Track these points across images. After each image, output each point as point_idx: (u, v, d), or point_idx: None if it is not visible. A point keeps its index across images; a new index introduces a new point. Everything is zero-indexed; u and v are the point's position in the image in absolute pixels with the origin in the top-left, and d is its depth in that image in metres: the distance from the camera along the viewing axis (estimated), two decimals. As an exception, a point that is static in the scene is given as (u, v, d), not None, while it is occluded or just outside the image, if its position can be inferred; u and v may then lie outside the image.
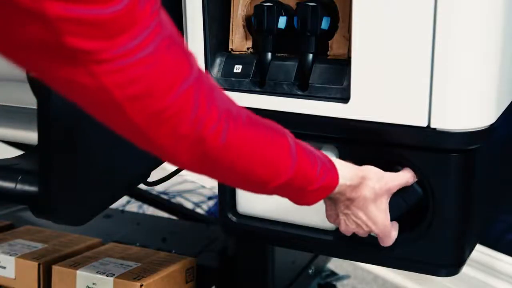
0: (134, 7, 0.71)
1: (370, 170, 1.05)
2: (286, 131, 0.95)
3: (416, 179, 1.10)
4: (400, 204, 1.10)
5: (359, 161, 1.06)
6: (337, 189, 1.00)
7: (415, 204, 1.11)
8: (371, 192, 1.04)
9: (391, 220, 1.08)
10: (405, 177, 1.09)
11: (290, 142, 0.94)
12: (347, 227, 1.08)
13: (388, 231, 1.08)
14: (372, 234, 1.09)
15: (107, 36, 0.70)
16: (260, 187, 0.94)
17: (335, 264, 1.98)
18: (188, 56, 0.81)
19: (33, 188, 1.09)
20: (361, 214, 1.05)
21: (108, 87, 0.74)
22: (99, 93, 0.74)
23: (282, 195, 0.98)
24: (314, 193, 0.98)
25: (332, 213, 1.09)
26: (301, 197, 0.99)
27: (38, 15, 0.67)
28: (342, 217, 1.07)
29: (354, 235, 1.10)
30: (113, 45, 0.71)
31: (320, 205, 1.05)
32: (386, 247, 1.11)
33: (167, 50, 0.76)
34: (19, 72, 1.02)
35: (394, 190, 1.08)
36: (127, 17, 0.71)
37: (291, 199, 0.99)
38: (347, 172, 1.01)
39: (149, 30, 0.73)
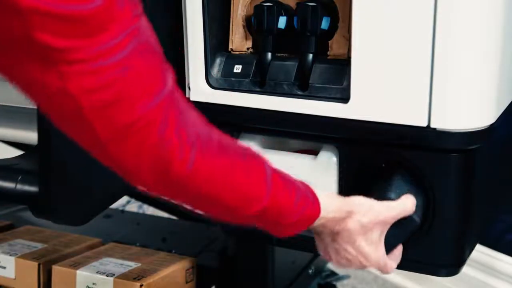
0: (113, 6, 0.67)
1: (357, 203, 1.00)
2: (264, 160, 0.90)
3: (414, 208, 1.06)
4: (397, 235, 1.07)
5: (359, 161, 1.06)
6: (318, 222, 0.96)
7: (412, 233, 1.09)
8: (357, 225, 0.99)
9: (389, 250, 1.05)
10: (403, 207, 1.05)
11: (267, 171, 0.88)
12: (338, 261, 1.03)
13: (382, 264, 1.04)
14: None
15: (83, 34, 0.66)
16: (230, 215, 0.89)
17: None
18: (164, 70, 0.76)
19: (33, 188, 1.09)
20: (350, 249, 1.00)
21: (75, 92, 0.68)
22: (63, 97, 0.69)
23: (258, 224, 0.93)
24: (292, 225, 0.93)
25: (320, 245, 1.04)
26: (278, 229, 0.94)
27: (9, 3, 0.63)
28: (331, 251, 1.02)
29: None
30: (88, 45, 0.66)
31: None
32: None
33: (142, 57, 0.72)
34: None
35: (391, 222, 1.03)
36: (105, 15, 0.67)
37: (268, 229, 0.94)
38: (330, 204, 0.97)
39: (126, 33, 0.69)
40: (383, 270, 1.05)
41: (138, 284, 1.33)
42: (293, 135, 1.20)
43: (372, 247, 1.01)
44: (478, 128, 1.06)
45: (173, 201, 0.87)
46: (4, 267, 1.45)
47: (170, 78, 0.77)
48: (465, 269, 1.20)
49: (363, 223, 0.99)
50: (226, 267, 1.55)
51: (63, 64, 0.67)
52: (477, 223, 1.21)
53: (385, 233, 1.03)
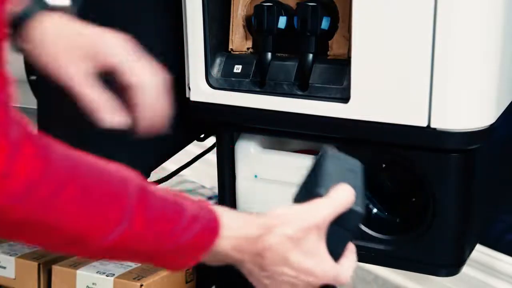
0: None
1: (275, 214, 0.84)
2: (135, 181, 0.75)
3: (353, 201, 0.86)
4: (342, 234, 0.87)
5: (359, 161, 1.06)
6: (226, 245, 0.80)
7: (358, 226, 0.94)
8: (282, 239, 0.81)
9: (338, 255, 0.87)
10: (335, 202, 0.85)
11: (129, 194, 0.73)
12: None
13: (333, 275, 0.85)
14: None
15: None
16: (74, 249, 0.75)
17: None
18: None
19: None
20: (286, 270, 0.82)
21: None
22: None
23: (132, 258, 0.80)
24: (180, 252, 0.78)
25: (254, 282, 0.87)
26: (162, 262, 0.79)
27: None
28: (267, 284, 0.84)
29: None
30: None
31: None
32: (386, 247, 1.11)
33: None
34: (19, 72, 1.02)
35: (326, 223, 0.84)
36: None
37: (154, 263, 0.80)
38: (237, 220, 0.82)
39: None
40: (338, 281, 0.87)
41: (138, 284, 1.34)
42: (293, 135, 1.20)
43: (313, 259, 0.83)
44: (478, 128, 1.06)
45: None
46: (4, 267, 1.45)
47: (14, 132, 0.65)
48: (465, 269, 1.20)
49: (288, 234, 0.82)
50: (226, 267, 1.55)
51: None
52: (477, 223, 1.21)
53: (323, 237, 0.85)
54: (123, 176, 0.75)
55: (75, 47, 0.87)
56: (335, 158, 0.93)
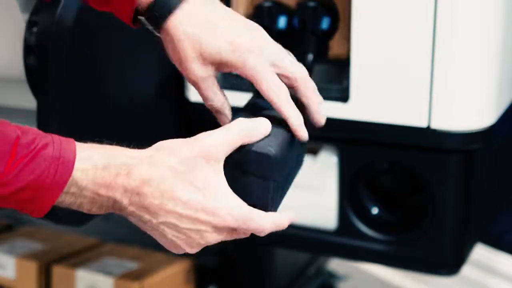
0: None
1: (155, 147, 0.69)
2: None
3: (267, 132, 0.71)
4: (253, 182, 0.69)
5: (359, 161, 1.06)
6: (84, 179, 0.65)
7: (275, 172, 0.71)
8: (163, 169, 0.66)
9: (255, 206, 0.70)
10: (235, 132, 0.70)
11: None
12: (175, 243, 0.70)
13: (244, 217, 0.68)
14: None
15: None
16: None
17: (335, 265, 1.98)
18: None
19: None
20: (176, 211, 0.66)
21: None
22: None
23: None
24: (20, 194, 0.63)
25: (151, 232, 0.72)
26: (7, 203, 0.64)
27: None
28: (154, 232, 0.70)
29: (353, 232, 1.10)
30: None
31: (322, 205, 1.05)
32: (386, 247, 1.11)
33: None
34: (19, 72, 1.02)
35: (219, 155, 0.68)
36: None
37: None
38: (101, 151, 0.67)
39: None
40: (252, 227, 0.69)
41: (138, 284, 1.34)
42: (293, 135, 1.19)
43: (210, 196, 0.67)
44: (478, 128, 1.06)
45: None
46: (4, 267, 1.45)
47: None
48: (465, 269, 1.20)
49: (169, 164, 0.66)
50: (226, 267, 1.55)
51: None
52: (477, 223, 1.21)
53: (219, 172, 0.68)
54: None
55: (205, 52, 0.75)
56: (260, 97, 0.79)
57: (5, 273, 1.45)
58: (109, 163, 0.66)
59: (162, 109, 1.23)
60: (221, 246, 1.61)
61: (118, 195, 0.67)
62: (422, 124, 1.05)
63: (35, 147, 0.64)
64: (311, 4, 1.12)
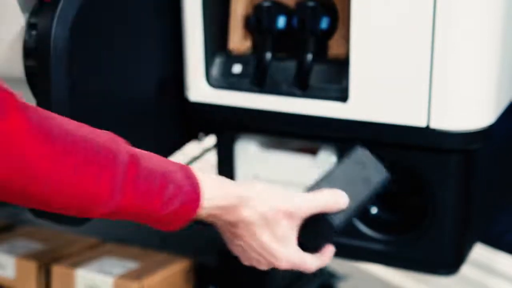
0: None
1: (254, 189, 0.87)
2: (118, 151, 0.77)
3: (338, 209, 0.89)
4: (314, 236, 0.91)
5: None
6: (204, 212, 0.84)
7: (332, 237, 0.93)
8: (255, 215, 0.86)
9: (309, 250, 0.91)
10: (318, 202, 0.88)
11: (120, 171, 0.76)
12: (248, 260, 0.91)
13: (295, 263, 0.89)
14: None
15: None
16: (77, 214, 0.79)
17: (335, 265, 1.98)
18: None
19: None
20: (254, 244, 0.88)
21: None
22: None
23: (126, 219, 0.83)
24: (166, 219, 0.82)
25: (229, 243, 0.92)
26: (153, 224, 0.84)
27: None
28: (236, 247, 0.91)
29: (353, 232, 1.10)
30: None
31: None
32: (386, 247, 1.11)
33: None
34: (19, 72, 1.02)
35: (301, 215, 0.88)
36: None
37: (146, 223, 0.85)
38: (216, 190, 0.85)
39: None
40: (302, 268, 0.90)
41: (138, 284, 1.34)
42: (292, 135, 1.20)
43: (281, 243, 0.87)
44: (478, 128, 1.06)
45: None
46: (4, 267, 1.45)
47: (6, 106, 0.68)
48: (465, 269, 1.20)
49: (261, 212, 0.85)
50: (226, 267, 1.55)
51: None
52: (477, 223, 1.21)
53: (296, 229, 0.88)
54: (113, 147, 0.77)
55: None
56: (358, 162, 0.96)
57: (5, 273, 1.45)
58: (223, 205, 0.85)
59: (162, 109, 1.23)
60: (221, 246, 1.61)
61: (220, 223, 0.89)
62: (422, 124, 1.05)
63: (182, 186, 0.82)
64: (311, 4, 1.12)
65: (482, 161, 1.14)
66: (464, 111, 1.04)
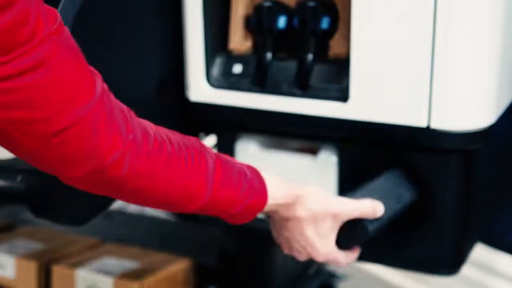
0: (20, 25, 0.65)
1: (309, 190, 0.98)
2: (207, 152, 0.89)
3: (374, 216, 1.01)
4: (349, 238, 1.02)
5: (359, 161, 1.06)
6: (267, 208, 0.95)
7: (365, 241, 1.05)
8: (307, 212, 0.97)
9: (343, 248, 1.02)
10: (360, 207, 1.00)
11: (209, 164, 0.88)
12: (289, 250, 1.03)
13: (330, 257, 1.01)
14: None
15: None
16: (174, 209, 0.91)
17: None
18: (89, 81, 0.74)
19: (33, 188, 1.09)
20: (299, 238, 0.99)
21: None
22: None
23: (208, 214, 0.93)
24: (240, 214, 0.93)
25: (273, 230, 1.03)
26: (227, 218, 0.94)
27: None
28: (282, 238, 1.02)
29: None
30: (1, 64, 0.65)
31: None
32: (386, 247, 1.11)
33: (62, 74, 0.70)
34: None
35: (343, 217, 1.00)
36: (10, 35, 0.65)
37: (220, 217, 0.95)
38: (278, 190, 0.95)
39: (40, 52, 0.67)
40: (333, 263, 1.03)
41: (138, 284, 1.34)
42: (293, 135, 1.20)
43: (322, 240, 0.99)
44: (478, 128, 1.06)
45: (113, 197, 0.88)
46: (4, 267, 1.45)
47: (98, 86, 0.75)
48: (465, 269, 1.20)
49: (313, 210, 0.97)
50: (226, 267, 1.55)
51: None
52: (477, 223, 1.21)
53: (337, 229, 1.00)
54: (198, 148, 0.88)
55: None
56: (391, 180, 1.10)
57: (5, 272, 1.45)
58: (282, 203, 0.96)
59: (162, 109, 1.23)
60: (221, 246, 1.61)
61: (276, 217, 0.99)
62: (422, 124, 1.05)
63: (254, 185, 0.93)
64: (311, 3, 1.12)
65: (482, 161, 1.14)
66: (465, 111, 1.04)
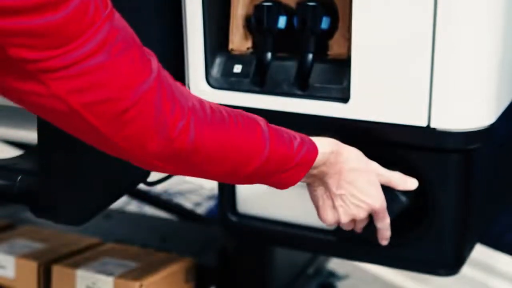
0: (82, 14, 0.71)
1: (348, 147, 1.04)
2: (257, 116, 0.95)
3: (405, 187, 1.07)
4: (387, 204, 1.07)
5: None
6: (320, 159, 0.98)
7: (400, 213, 1.09)
8: (358, 159, 1.03)
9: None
10: (391, 175, 1.07)
11: (262, 125, 0.94)
12: (347, 213, 1.04)
13: (385, 207, 1.05)
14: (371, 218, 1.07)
15: (54, 45, 0.70)
16: (234, 176, 0.94)
17: (335, 264, 1.98)
18: (145, 57, 0.80)
19: (33, 188, 1.09)
20: (355, 191, 1.02)
21: (62, 95, 0.74)
22: (54, 101, 0.74)
23: (261, 181, 0.97)
24: (294, 170, 0.96)
25: (326, 206, 1.05)
26: (282, 178, 0.97)
27: None
28: (338, 204, 1.04)
29: (353, 232, 1.10)
30: (60, 54, 0.71)
31: (320, 205, 1.05)
32: (386, 247, 1.11)
33: (122, 54, 0.76)
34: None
35: (378, 174, 1.05)
36: (75, 24, 0.71)
37: (272, 182, 0.98)
38: (324, 142, 1.01)
39: (100, 36, 0.73)
40: (384, 213, 1.05)
41: (138, 284, 1.34)
42: (293, 135, 1.19)
43: (375, 187, 1.03)
44: (478, 128, 1.06)
45: (179, 174, 0.92)
46: (4, 267, 1.45)
47: (154, 63, 0.81)
48: (465, 269, 1.20)
49: (361, 159, 1.03)
50: (226, 267, 1.55)
51: (42, 73, 0.72)
52: (477, 223, 1.21)
53: (378, 183, 1.05)
54: (248, 114, 0.94)
55: None
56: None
57: (5, 272, 1.45)
58: (332, 150, 1.01)
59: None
60: (221, 246, 1.62)
61: (331, 171, 1.01)
62: (422, 123, 1.05)
63: (304, 140, 0.98)
64: (311, 3, 1.12)
65: (482, 161, 1.14)
66: (465, 111, 1.04)
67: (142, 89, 0.78)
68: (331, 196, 1.04)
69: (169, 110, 0.81)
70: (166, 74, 0.83)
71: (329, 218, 1.06)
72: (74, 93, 0.74)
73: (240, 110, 0.94)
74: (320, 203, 1.05)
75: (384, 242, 1.09)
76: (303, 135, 0.99)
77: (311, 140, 0.99)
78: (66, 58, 0.71)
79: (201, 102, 0.87)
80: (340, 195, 1.03)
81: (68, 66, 0.72)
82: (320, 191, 1.05)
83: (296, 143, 0.96)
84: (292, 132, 0.98)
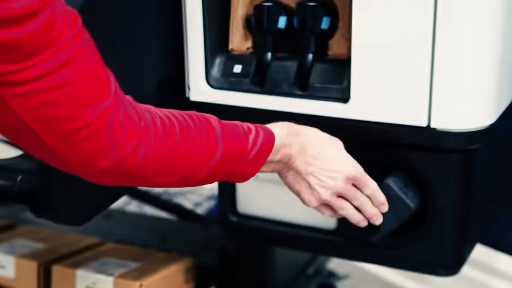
0: (46, 30, 0.70)
1: (306, 127, 1.03)
2: (210, 116, 0.94)
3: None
4: (391, 219, 1.08)
5: (359, 161, 1.06)
6: (278, 143, 0.97)
7: (408, 218, 1.10)
8: (317, 134, 1.02)
9: (385, 232, 1.08)
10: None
11: (215, 125, 0.93)
12: (325, 187, 1.01)
13: (362, 172, 1.03)
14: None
15: (17, 58, 0.70)
16: (186, 182, 0.93)
17: (335, 264, 1.98)
18: (105, 76, 0.80)
19: (33, 188, 1.09)
20: (323, 164, 1.00)
21: (18, 110, 0.73)
22: (11, 116, 0.74)
23: (219, 179, 0.96)
24: (253, 160, 0.95)
25: (304, 189, 1.02)
26: (242, 170, 0.96)
27: None
28: (314, 182, 1.01)
29: (354, 232, 1.10)
30: (23, 68, 0.70)
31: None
32: (386, 247, 1.11)
33: (84, 72, 0.76)
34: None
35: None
36: (38, 40, 0.70)
37: (233, 176, 0.96)
38: (279, 125, 1.00)
39: (64, 52, 0.72)
40: (365, 180, 1.02)
41: (138, 284, 1.34)
42: (293, 135, 1.19)
43: (347, 158, 1.02)
44: (478, 128, 1.06)
45: (128, 185, 0.91)
46: (4, 267, 1.45)
47: (112, 81, 0.81)
48: (465, 269, 1.20)
49: (318, 132, 1.02)
50: (226, 267, 1.55)
51: (5, 86, 0.71)
52: (477, 223, 1.21)
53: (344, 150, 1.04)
54: (200, 116, 0.93)
55: None
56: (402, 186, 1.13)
57: (5, 272, 1.45)
58: (289, 131, 0.99)
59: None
60: (221, 246, 1.61)
61: (293, 151, 1.00)
62: (422, 123, 1.05)
63: (258, 129, 0.97)
64: (311, 3, 1.12)
65: (482, 161, 1.14)
66: (465, 111, 1.04)
67: (100, 109, 0.77)
68: (304, 178, 1.01)
69: (121, 131, 0.80)
70: (122, 93, 0.83)
71: (311, 199, 1.02)
72: (30, 109, 0.73)
73: (193, 112, 0.93)
74: (297, 187, 1.03)
75: (383, 207, 1.05)
76: (259, 125, 0.98)
77: (267, 128, 0.98)
78: (28, 73, 0.71)
79: (153, 117, 0.86)
80: (311, 173, 1.00)
81: (28, 81, 0.71)
82: (291, 176, 1.02)
83: (251, 137, 0.95)
84: (247, 125, 0.97)
